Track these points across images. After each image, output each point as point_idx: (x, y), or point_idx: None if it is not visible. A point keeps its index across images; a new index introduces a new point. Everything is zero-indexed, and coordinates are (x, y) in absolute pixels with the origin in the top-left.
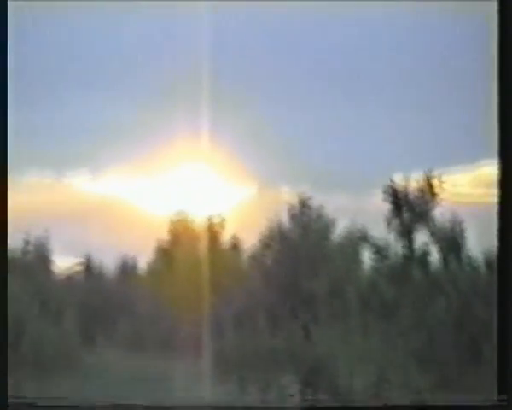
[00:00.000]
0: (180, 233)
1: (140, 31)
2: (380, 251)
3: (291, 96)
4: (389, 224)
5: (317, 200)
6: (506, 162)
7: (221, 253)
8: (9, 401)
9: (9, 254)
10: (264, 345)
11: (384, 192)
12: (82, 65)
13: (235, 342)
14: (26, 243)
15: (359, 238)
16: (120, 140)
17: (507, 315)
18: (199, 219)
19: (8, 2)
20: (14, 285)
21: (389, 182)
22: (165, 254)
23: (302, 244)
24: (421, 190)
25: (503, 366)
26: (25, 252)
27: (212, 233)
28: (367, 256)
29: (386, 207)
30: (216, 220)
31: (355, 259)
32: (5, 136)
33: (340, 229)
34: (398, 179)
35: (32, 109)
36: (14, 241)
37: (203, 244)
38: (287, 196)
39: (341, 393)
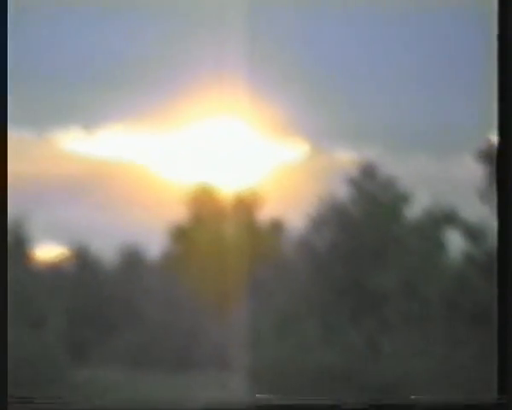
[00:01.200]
0: (204, 210)
1: None
2: (471, 234)
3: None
4: (483, 198)
5: (387, 167)
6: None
7: (257, 236)
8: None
9: None
10: (314, 361)
11: (477, 156)
12: None
13: (275, 358)
14: None
15: (443, 217)
16: (128, 85)
17: (507, 315)
18: (228, 191)
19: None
20: None
21: (485, 143)
22: (184, 237)
23: (366, 225)
24: None
25: (503, 366)
26: None
27: (246, 210)
28: (453, 241)
29: (479, 175)
30: (251, 193)
31: (437, 244)
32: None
33: (417, 204)
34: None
35: (14, 33)
36: None
37: (233, 225)
38: (346, 161)
39: None
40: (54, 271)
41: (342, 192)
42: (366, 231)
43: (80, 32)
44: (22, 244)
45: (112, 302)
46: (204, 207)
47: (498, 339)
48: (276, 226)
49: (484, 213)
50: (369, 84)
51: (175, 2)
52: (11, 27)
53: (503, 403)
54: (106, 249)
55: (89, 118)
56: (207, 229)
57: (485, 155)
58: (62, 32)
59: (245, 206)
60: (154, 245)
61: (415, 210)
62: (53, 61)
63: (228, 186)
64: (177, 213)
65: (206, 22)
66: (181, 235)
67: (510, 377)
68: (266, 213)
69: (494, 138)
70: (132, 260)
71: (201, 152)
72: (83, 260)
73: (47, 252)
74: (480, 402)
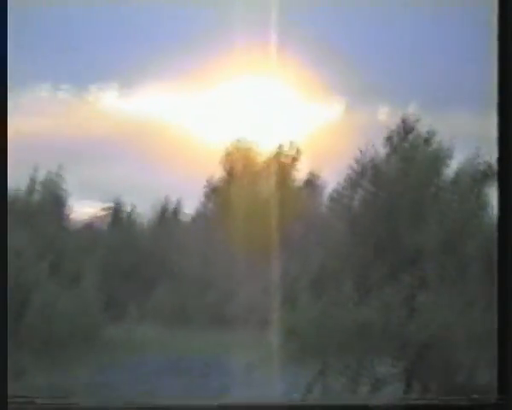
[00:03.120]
0: (239, 168)
1: None
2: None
3: None
4: None
5: (425, 122)
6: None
7: (293, 194)
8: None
9: (11, 196)
10: (352, 319)
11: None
12: None
13: (311, 317)
14: (33, 181)
15: (483, 174)
16: (162, 43)
17: (507, 315)
18: (264, 149)
19: None
20: (16, 238)
21: None
22: (220, 196)
23: (404, 182)
24: None
25: (503, 366)
26: (31, 193)
27: (282, 168)
28: (494, 198)
29: None
30: (287, 151)
31: (478, 202)
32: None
33: (456, 161)
34: None
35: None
36: (16, 178)
37: (270, 182)
38: (383, 117)
39: (459, 386)
40: (90, 227)
41: (380, 149)
42: (404, 188)
43: None
44: (60, 201)
45: (148, 259)
46: (240, 165)
47: (498, 340)
48: (312, 184)
49: None
50: (402, 45)
51: None
52: None
53: (503, 403)
54: (142, 206)
55: (126, 78)
56: (243, 186)
57: None
58: None
59: (281, 163)
60: (190, 204)
61: (454, 167)
62: (90, 23)
63: (263, 144)
64: (214, 171)
65: None
66: (217, 194)
67: (510, 377)
68: (302, 170)
69: None
70: (167, 218)
71: (237, 111)
72: (118, 218)
73: (84, 209)
74: (480, 402)
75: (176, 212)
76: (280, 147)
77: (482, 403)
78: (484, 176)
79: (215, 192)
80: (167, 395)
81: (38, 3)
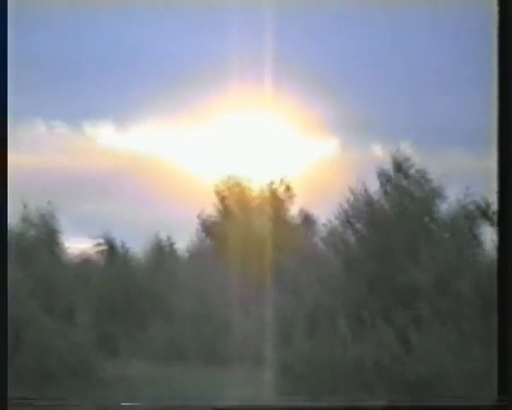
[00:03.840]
0: (233, 204)
1: None
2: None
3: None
4: None
5: (419, 161)
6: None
7: (287, 231)
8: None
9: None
10: (346, 358)
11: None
12: None
13: (306, 354)
14: (27, 217)
15: (477, 212)
16: (157, 81)
17: (507, 315)
18: (258, 185)
19: None
20: (10, 274)
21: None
22: (213, 231)
23: (398, 220)
24: None
25: (503, 368)
26: (25, 230)
27: (276, 205)
28: (488, 237)
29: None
30: (280, 188)
31: (471, 240)
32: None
33: (450, 200)
34: None
35: (36, 32)
36: (11, 214)
37: (263, 219)
38: (377, 155)
39: None
40: (85, 263)
41: (373, 188)
42: (398, 226)
43: (108, 29)
44: (54, 236)
45: (142, 295)
46: (234, 201)
47: (498, 341)
48: (307, 220)
49: None
50: (392, 82)
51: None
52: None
53: (503, 405)
54: (136, 241)
55: (120, 113)
56: (237, 222)
57: None
58: (90, 30)
59: (275, 199)
60: (185, 238)
61: (447, 206)
62: (87, 60)
63: (258, 180)
64: (208, 206)
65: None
66: (211, 228)
67: (510, 378)
68: (297, 206)
69: None
70: (162, 252)
71: (232, 147)
72: (114, 253)
73: (79, 244)
74: (480, 404)
75: (169, 247)
76: (274, 183)
77: (482, 405)
78: (478, 214)
79: (210, 227)
80: None
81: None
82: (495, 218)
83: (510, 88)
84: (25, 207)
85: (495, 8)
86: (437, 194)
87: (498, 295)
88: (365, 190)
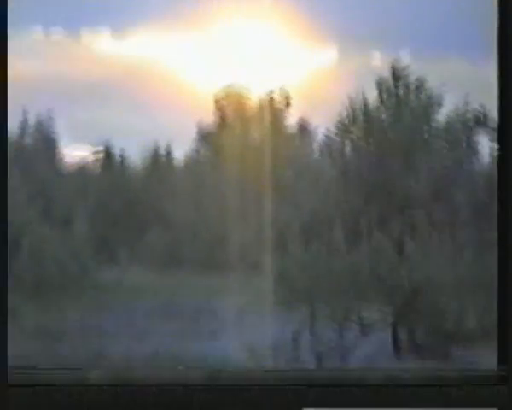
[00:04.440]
0: (230, 112)
1: None
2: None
3: None
4: None
5: (417, 68)
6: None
7: (284, 139)
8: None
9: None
10: (342, 265)
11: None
12: None
13: (302, 262)
14: (25, 123)
15: (474, 120)
16: None
17: (507, 285)
18: (255, 93)
19: None
20: (9, 178)
21: None
22: (210, 140)
23: (395, 128)
24: None
25: (503, 338)
26: (22, 136)
27: (274, 113)
28: (485, 145)
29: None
30: (278, 96)
31: (468, 148)
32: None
33: (447, 107)
34: None
35: None
36: (9, 121)
37: (261, 128)
38: (376, 63)
39: (444, 326)
40: (82, 169)
41: (371, 95)
42: (395, 134)
43: None
44: (50, 143)
45: (139, 202)
46: (232, 110)
47: (498, 311)
48: (304, 129)
49: None
50: None
51: None
52: None
53: (503, 375)
54: (133, 149)
55: (118, 20)
56: (235, 132)
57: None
58: None
59: (273, 109)
60: (180, 148)
61: (445, 113)
62: None
63: (256, 89)
64: (206, 115)
65: None
66: (208, 138)
67: (510, 348)
68: (294, 116)
69: None
70: (158, 162)
71: (231, 55)
72: (109, 162)
73: (75, 152)
74: (480, 373)
75: (167, 155)
76: (272, 92)
77: (482, 375)
78: (476, 122)
79: (205, 138)
80: (157, 337)
81: None
82: (491, 124)
83: None
84: (23, 114)
85: None
86: (435, 102)
87: (499, 292)
88: (363, 100)
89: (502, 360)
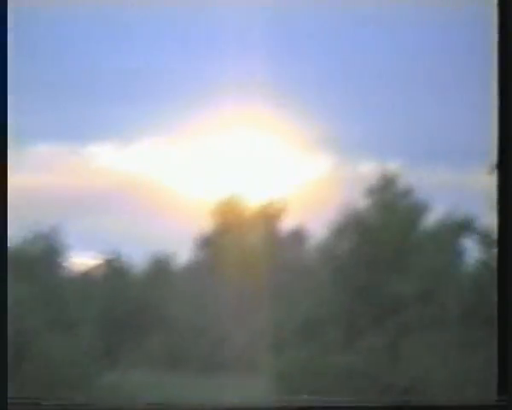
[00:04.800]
0: (229, 221)
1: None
2: (485, 241)
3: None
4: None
5: (405, 175)
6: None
7: (281, 245)
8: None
9: (11, 248)
10: (338, 364)
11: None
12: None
13: (299, 361)
14: (33, 233)
15: (459, 225)
16: (155, 100)
17: (507, 316)
18: (253, 202)
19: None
20: (18, 288)
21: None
22: (210, 247)
23: (383, 233)
24: None
25: (503, 367)
26: (31, 246)
27: (270, 220)
28: (472, 249)
29: (492, 185)
30: (275, 205)
31: (453, 251)
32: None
33: (434, 214)
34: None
35: (44, 60)
36: (16, 231)
37: (258, 233)
38: (366, 171)
39: None
40: (87, 277)
41: (362, 202)
42: (385, 238)
43: (104, 49)
44: (56, 252)
45: (142, 307)
46: (229, 218)
47: (498, 340)
48: (299, 235)
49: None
50: (381, 96)
51: (195, 16)
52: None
53: (503, 405)
54: (136, 258)
55: (119, 134)
56: (233, 238)
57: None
58: (94, 53)
59: (269, 216)
60: (182, 256)
61: (432, 220)
62: (84, 79)
63: (252, 198)
64: (204, 223)
65: (226, 36)
66: (207, 244)
67: (510, 378)
68: (289, 222)
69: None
70: (161, 267)
71: (227, 165)
72: (114, 268)
73: (80, 259)
74: (480, 403)
75: (168, 264)
76: (268, 200)
77: (482, 405)
78: (461, 227)
79: (206, 243)
80: None
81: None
82: (477, 231)
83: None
84: (28, 225)
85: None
86: (422, 208)
87: (498, 295)
88: (354, 206)
89: (501, 390)
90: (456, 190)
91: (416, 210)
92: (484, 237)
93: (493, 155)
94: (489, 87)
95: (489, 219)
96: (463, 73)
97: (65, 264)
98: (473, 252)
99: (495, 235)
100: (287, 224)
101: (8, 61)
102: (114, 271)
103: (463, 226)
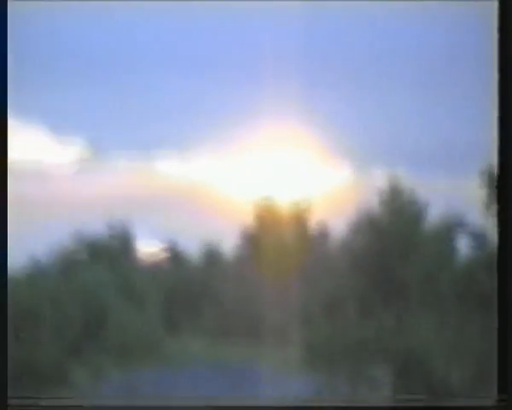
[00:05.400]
0: (266, 218)
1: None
2: (476, 238)
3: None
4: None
5: (411, 183)
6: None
7: (308, 239)
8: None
9: (93, 238)
10: (354, 335)
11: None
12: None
13: (323, 332)
14: (110, 227)
15: (454, 224)
16: (206, 122)
17: (507, 315)
18: (286, 203)
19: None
20: (98, 273)
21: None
22: (251, 239)
23: (392, 231)
24: None
25: (503, 366)
26: (108, 237)
27: (300, 219)
28: (463, 243)
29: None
30: (302, 205)
31: (449, 246)
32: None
33: (433, 214)
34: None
35: (122, 90)
36: (97, 225)
37: (290, 230)
38: (378, 177)
39: (433, 382)
40: (153, 263)
41: (374, 205)
42: (393, 235)
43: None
44: (130, 243)
45: (197, 288)
46: (266, 216)
47: (498, 340)
48: (322, 230)
49: (487, 222)
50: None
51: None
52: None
53: (503, 405)
54: (192, 247)
55: (179, 147)
56: (269, 233)
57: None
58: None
59: (297, 214)
60: (229, 243)
61: (431, 219)
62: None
63: (284, 199)
64: (246, 219)
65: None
66: (248, 236)
67: (510, 378)
68: (314, 219)
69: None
70: (212, 255)
71: (264, 172)
72: (175, 256)
73: (148, 249)
74: (480, 404)
75: (218, 252)
76: (298, 202)
77: (482, 405)
78: (455, 226)
79: (247, 237)
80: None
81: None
82: (470, 229)
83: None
84: (110, 221)
85: None
86: (424, 209)
87: (498, 297)
88: (368, 207)
89: (501, 390)
90: (453, 193)
91: (419, 210)
92: (475, 234)
93: (489, 162)
94: (489, 87)
95: (480, 219)
96: (466, 76)
97: (136, 253)
98: (465, 246)
99: (486, 232)
100: (312, 220)
101: (7, 64)
102: (175, 258)
103: (458, 224)
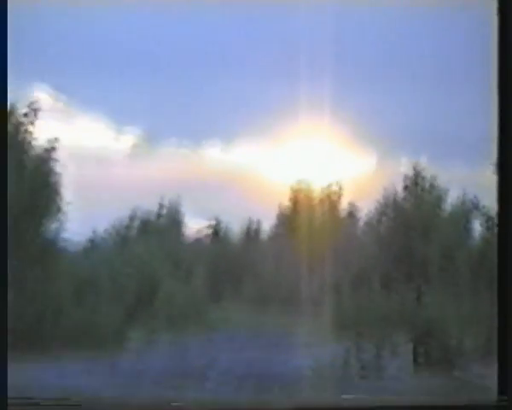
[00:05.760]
0: (300, 200)
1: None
2: (490, 221)
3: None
4: None
5: (431, 169)
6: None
7: (338, 219)
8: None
9: (145, 216)
10: (379, 306)
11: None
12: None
13: (352, 303)
14: (161, 206)
15: (470, 208)
16: (248, 113)
17: (507, 314)
18: (317, 187)
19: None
20: (150, 246)
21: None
22: (287, 220)
23: (415, 212)
24: None
25: (503, 366)
26: (159, 215)
27: (331, 200)
28: (478, 225)
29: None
30: (333, 188)
31: (465, 229)
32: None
33: (452, 198)
34: None
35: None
36: (149, 204)
37: (322, 211)
38: (402, 164)
39: (449, 347)
40: (198, 240)
41: (398, 187)
42: (415, 218)
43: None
44: (178, 222)
45: (238, 262)
46: (300, 198)
47: (498, 341)
48: (351, 212)
49: None
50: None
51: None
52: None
53: (504, 405)
54: (234, 225)
55: (224, 136)
56: (302, 212)
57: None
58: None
59: (328, 197)
60: (267, 223)
61: (450, 203)
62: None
63: (317, 183)
64: (282, 200)
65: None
66: (284, 216)
67: (510, 378)
68: (344, 201)
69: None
70: (252, 233)
71: (299, 159)
72: (218, 233)
73: (194, 226)
74: (480, 403)
75: (257, 230)
76: (330, 186)
77: (483, 405)
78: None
79: (283, 218)
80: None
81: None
82: (484, 211)
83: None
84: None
85: None
86: (443, 194)
87: (498, 297)
88: (393, 191)
89: (502, 390)
90: (470, 179)
91: (439, 195)
92: (489, 217)
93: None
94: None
95: (492, 205)
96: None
97: (184, 230)
98: (480, 227)
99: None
100: (342, 203)
101: (7, 59)
102: (219, 235)
103: (474, 208)
